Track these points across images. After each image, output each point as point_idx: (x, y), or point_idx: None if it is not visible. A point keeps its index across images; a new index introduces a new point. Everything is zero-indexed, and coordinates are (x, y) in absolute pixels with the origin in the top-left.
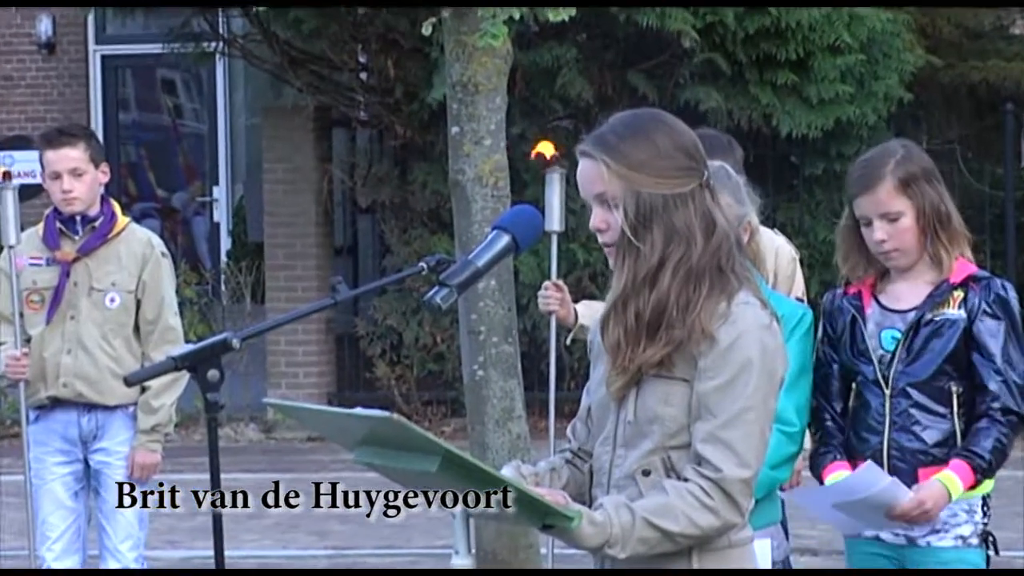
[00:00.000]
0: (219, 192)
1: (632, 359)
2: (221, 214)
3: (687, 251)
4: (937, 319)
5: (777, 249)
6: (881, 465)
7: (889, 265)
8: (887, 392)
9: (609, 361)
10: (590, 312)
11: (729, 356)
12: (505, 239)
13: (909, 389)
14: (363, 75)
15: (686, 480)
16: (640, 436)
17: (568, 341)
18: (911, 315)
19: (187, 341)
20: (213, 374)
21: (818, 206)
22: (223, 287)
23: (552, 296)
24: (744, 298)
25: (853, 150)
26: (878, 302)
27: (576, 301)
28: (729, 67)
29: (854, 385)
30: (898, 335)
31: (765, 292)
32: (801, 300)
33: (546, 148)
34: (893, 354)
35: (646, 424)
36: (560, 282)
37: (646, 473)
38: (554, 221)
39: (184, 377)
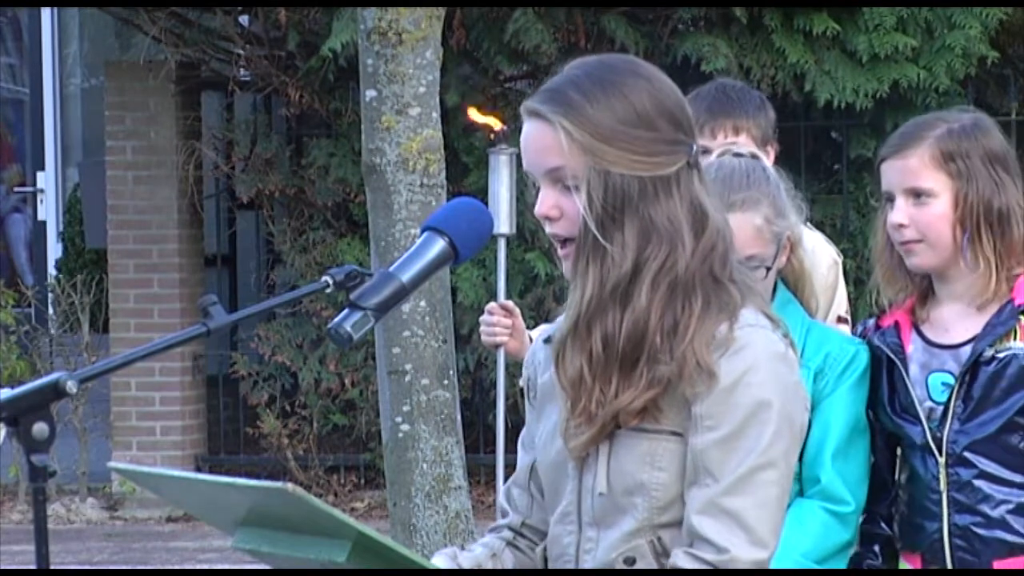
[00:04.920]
0: (45, 180)
1: (601, 403)
2: (48, 210)
3: (671, 255)
4: (1000, 355)
5: (813, 249)
6: (943, 559)
7: (910, 263)
8: (940, 459)
9: (567, 405)
10: None
11: (734, 398)
12: (439, 244)
13: (970, 454)
14: (243, 19)
15: (676, 569)
16: (618, 512)
17: (523, 383)
18: (966, 351)
19: (3, 384)
20: (40, 429)
21: (868, 199)
22: (51, 310)
23: (499, 323)
24: (751, 318)
25: None
26: (921, 335)
27: (534, 327)
28: (744, 10)
29: (899, 451)
30: (950, 380)
31: (806, 324)
32: (845, 320)
33: (486, 119)
34: (946, 406)
35: (624, 496)
36: (510, 303)
37: (629, 562)
38: (502, 220)
39: None
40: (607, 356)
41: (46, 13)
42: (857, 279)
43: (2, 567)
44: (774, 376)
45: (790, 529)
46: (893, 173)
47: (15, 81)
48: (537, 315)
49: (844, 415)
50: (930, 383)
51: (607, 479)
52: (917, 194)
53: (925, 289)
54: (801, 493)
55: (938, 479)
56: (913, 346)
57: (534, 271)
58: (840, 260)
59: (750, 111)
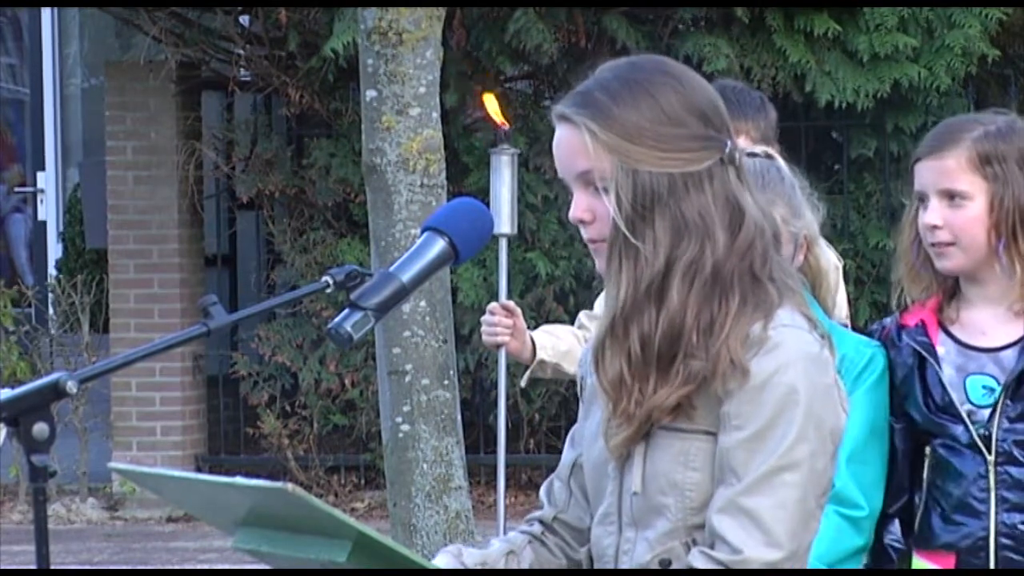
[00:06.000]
0: (46, 180)
1: (640, 402)
2: (48, 210)
3: (701, 251)
4: None
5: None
6: (986, 558)
7: (940, 266)
8: (990, 458)
9: (608, 405)
10: (553, 342)
11: (763, 396)
12: (439, 245)
13: (1020, 452)
14: (244, 19)
15: (690, 569)
16: (652, 513)
17: (524, 383)
18: (1009, 355)
19: (3, 384)
20: (41, 429)
21: (869, 200)
22: (51, 310)
23: (500, 323)
24: (786, 317)
25: (917, 124)
26: (951, 336)
27: (535, 328)
28: (746, 10)
29: (928, 451)
30: (993, 384)
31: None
32: (845, 325)
33: (492, 105)
34: (993, 408)
35: (659, 495)
36: (511, 304)
37: (665, 564)
38: (503, 220)
39: None
40: (645, 356)
41: (46, 13)
42: (857, 279)
43: (2, 567)
44: (804, 376)
45: None
46: (928, 173)
47: (15, 81)
48: (538, 315)
49: (860, 419)
50: (968, 386)
51: (642, 479)
52: (952, 196)
53: (951, 289)
54: None
55: (986, 477)
56: (944, 347)
57: (535, 271)
58: (841, 265)
59: (748, 113)
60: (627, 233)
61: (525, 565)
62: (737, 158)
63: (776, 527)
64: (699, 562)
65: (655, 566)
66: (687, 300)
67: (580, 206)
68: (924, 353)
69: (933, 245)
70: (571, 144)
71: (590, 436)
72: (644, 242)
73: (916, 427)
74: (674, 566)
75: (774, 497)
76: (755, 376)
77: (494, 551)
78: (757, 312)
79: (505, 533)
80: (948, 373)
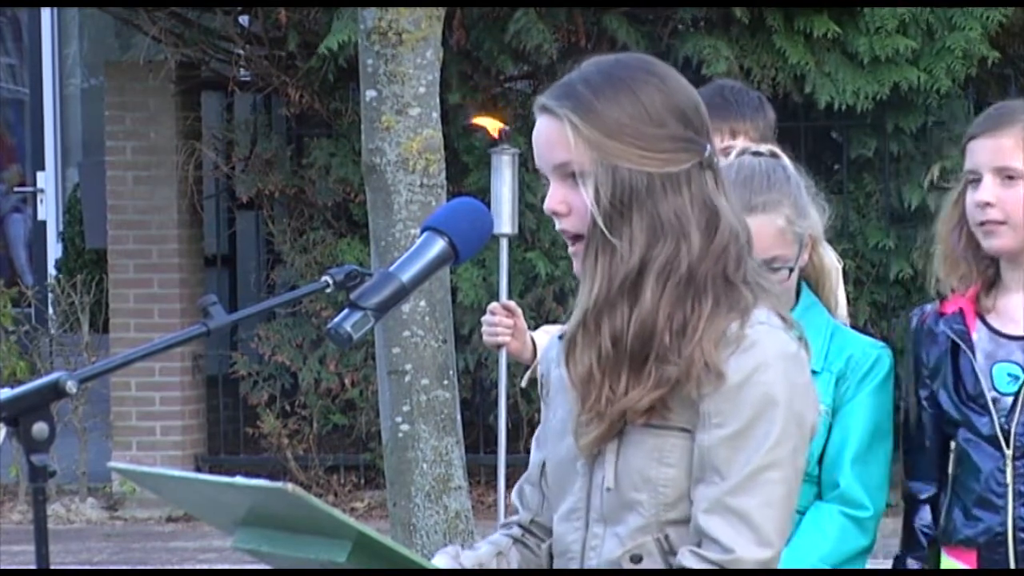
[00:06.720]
0: (45, 180)
1: (611, 401)
2: (48, 210)
3: (676, 252)
4: None
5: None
6: (1005, 553)
7: (988, 244)
8: (1008, 452)
9: (578, 400)
10: None
11: (743, 395)
12: (439, 244)
13: None
14: (243, 19)
15: (682, 568)
16: (624, 508)
17: (524, 383)
18: None
19: (3, 384)
20: (40, 429)
21: (868, 200)
22: (51, 310)
23: (501, 323)
24: (762, 316)
25: (917, 125)
26: (986, 324)
27: (536, 328)
28: (746, 11)
29: (952, 444)
30: (1018, 372)
31: (830, 328)
32: (844, 325)
33: (488, 122)
34: (1014, 402)
35: (632, 491)
36: (512, 304)
37: (636, 559)
38: (504, 220)
39: None
40: (616, 353)
41: (46, 13)
42: (857, 279)
43: (2, 567)
44: (783, 375)
45: (808, 533)
46: (983, 152)
47: (15, 81)
48: (537, 315)
49: (864, 419)
50: (995, 373)
51: (615, 475)
52: (1007, 175)
53: (991, 278)
54: (820, 497)
55: (1004, 472)
56: (978, 334)
57: (534, 271)
58: (841, 266)
59: (747, 113)
60: (604, 229)
61: (514, 565)
62: (715, 162)
63: (765, 525)
64: (690, 562)
65: (626, 561)
66: (660, 301)
67: (555, 198)
68: (959, 341)
69: (982, 224)
70: (551, 135)
71: (555, 432)
72: (621, 239)
73: (944, 416)
74: (645, 561)
75: (761, 496)
76: (734, 374)
77: (484, 552)
78: (732, 312)
79: None
80: (978, 360)
